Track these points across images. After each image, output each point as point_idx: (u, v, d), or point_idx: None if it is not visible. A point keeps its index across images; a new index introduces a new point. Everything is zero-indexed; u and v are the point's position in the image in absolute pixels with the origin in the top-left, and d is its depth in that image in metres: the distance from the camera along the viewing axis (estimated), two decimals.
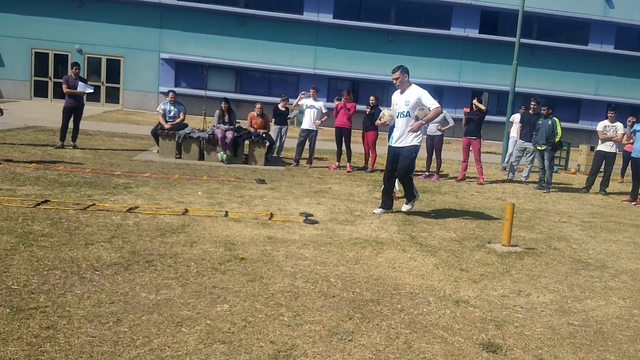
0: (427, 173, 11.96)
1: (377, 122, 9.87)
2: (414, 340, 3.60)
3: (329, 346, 3.39)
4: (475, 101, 11.66)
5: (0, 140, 11.19)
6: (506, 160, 14.41)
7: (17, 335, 3.16)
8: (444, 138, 12.22)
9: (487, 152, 18.76)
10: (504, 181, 12.39)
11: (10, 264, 4.27)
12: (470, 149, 11.70)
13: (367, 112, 11.81)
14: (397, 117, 7.41)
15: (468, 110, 11.80)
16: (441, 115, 11.68)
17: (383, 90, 26.13)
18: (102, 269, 4.38)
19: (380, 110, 12.17)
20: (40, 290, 3.84)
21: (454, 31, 26.81)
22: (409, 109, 7.26)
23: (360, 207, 7.87)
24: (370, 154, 12.06)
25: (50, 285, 3.94)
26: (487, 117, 12.97)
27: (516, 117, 13.74)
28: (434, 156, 11.90)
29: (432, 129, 11.72)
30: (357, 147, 13.29)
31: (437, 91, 26.24)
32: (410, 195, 7.53)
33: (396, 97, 7.46)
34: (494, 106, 27.11)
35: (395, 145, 7.41)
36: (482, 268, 5.36)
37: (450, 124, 11.78)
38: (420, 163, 13.57)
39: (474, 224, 7.43)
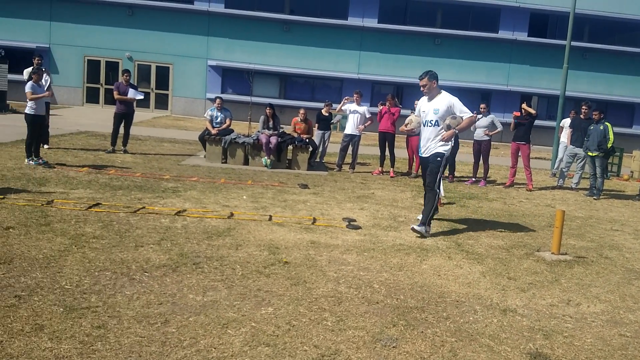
0: (474, 179, 11.76)
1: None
2: (459, 348, 3.54)
3: (373, 352, 3.37)
4: (524, 105, 11.41)
5: (55, 145, 11.64)
6: (556, 166, 14.02)
7: (70, 333, 3.27)
8: (492, 143, 12.00)
9: (536, 158, 18.29)
10: (553, 188, 12.05)
11: (63, 265, 4.44)
12: (519, 154, 11.44)
13: None
14: (424, 126, 6.81)
15: (518, 114, 11.55)
16: (489, 120, 11.52)
17: None
18: (151, 270, 4.50)
19: None
20: (91, 290, 3.97)
21: (502, 34, 26.30)
22: (438, 117, 6.63)
23: (404, 213, 7.81)
24: (415, 159, 11.95)
25: (102, 286, 4.07)
26: (537, 122, 12.66)
27: (566, 122, 13.37)
28: (481, 162, 11.69)
29: (480, 133, 11.53)
30: (401, 152, 13.19)
31: (484, 95, 25.81)
32: (426, 217, 6.58)
33: (424, 104, 6.89)
34: (543, 111, 26.41)
35: (424, 155, 6.81)
36: (530, 276, 5.23)
37: (499, 129, 11.56)
38: (466, 169, 13.38)
39: (522, 231, 7.26)
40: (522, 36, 26.27)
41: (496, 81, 26.49)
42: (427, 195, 6.74)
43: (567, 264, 5.74)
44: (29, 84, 9.27)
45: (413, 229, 6.47)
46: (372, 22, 25.79)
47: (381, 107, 11.92)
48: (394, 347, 3.47)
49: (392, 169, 11.79)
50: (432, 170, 6.67)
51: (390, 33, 25.86)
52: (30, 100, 9.20)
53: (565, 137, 13.09)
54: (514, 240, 6.69)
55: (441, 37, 26.11)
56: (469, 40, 26.11)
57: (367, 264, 5.19)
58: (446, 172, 11.61)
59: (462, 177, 12.32)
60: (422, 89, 6.83)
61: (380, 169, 11.90)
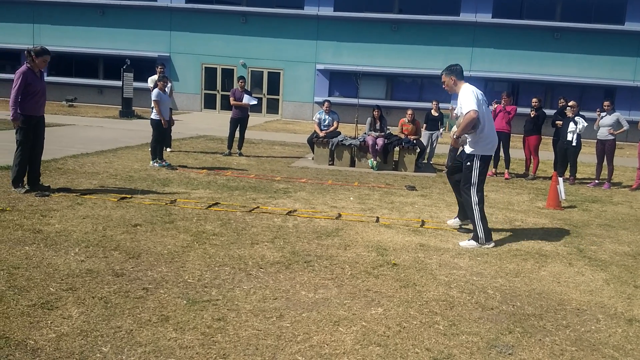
0: (597, 181, 10.98)
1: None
2: (580, 358, 3.33)
3: (488, 358, 3.26)
4: None
5: (177, 149, 12.46)
6: None
7: (192, 325, 3.49)
8: (617, 142, 11.13)
9: None
10: None
11: (186, 260, 4.74)
12: None
13: (532, 115, 11.19)
14: None
15: None
16: (614, 118, 10.72)
17: (547, 92, 24.57)
18: (266, 266, 4.68)
19: (545, 114, 11.45)
20: (212, 284, 4.21)
21: (629, 26, 24.30)
22: (461, 114, 5.93)
23: (520, 216, 7.47)
24: (532, 160, 11.40)
25: (221, 280, 4.29)
26: None
27: None
28: (604, 162, 10.90)
29: (604, 132, 10.77)
30: (517, 152, 12.63)
31: (608, 92, 24.01)
32: (474, 227, 5.86)
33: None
34: None
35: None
36: None
37: (625, 127, 10.73)
38: (589, 170, 12.53)
39: None
40: None
41: (622, 76, 24.53)
42: (464, 201, 6.05)
43: None
44: (155, 91, 9.98)
45: (460, 245, 5.80)
46: (485, 17, 24.92)
47: (496, 105, 11.49)
48: (509, 354, 3.33)
49: (507, 170, 11.32)
50: (464, 175, 5.98)
51: (506, 28, 24.83)
52: (159, 111, 9.85)
53: None
54: None
55: (561, 30, 24.65)
56: (591, 33, 24.41)
57: (480, 269, 5.02)
58: (567, 174, 10.97)
59: (585, 179, 11.55)
60: (444, 86, 6.08)
61: (494, 170, 11.47)
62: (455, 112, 6.51)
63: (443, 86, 6.09)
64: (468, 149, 5.94)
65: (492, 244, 5.81)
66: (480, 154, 5.87)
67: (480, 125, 5.78)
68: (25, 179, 7.02)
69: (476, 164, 5.87)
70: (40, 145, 7.14)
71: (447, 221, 6.77)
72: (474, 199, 5.87)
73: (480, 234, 5.79)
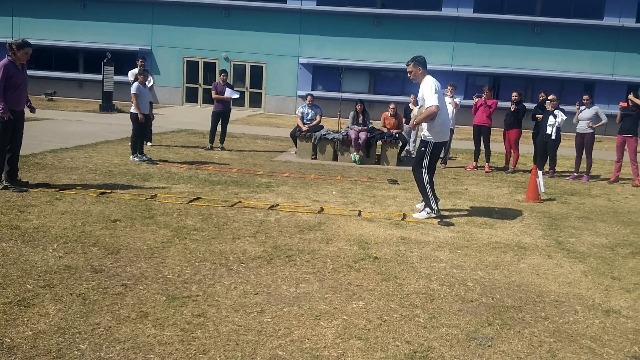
0: (576, 174, 11.13)
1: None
2: (558, 349, 3.38)
3: (467, 350, 3.29)
4: (632, 96, 10.63)
5: (157, 143, 12.35)
6: None
7: (172, 321, 3.46)
8: (595, 136, 11.28)
9: None
10: None
11: (166, 256, 4.70)
12: (625, 147, 10.69)
13: (512, 109, 11.29)
14: None
15: (625, 104, 10.78)
16: (593, 111, 10.86)
17: (527, 86, 24.77)
18: (248, 261, 4.66)
19: (525, 107, 11.56)
20: (192, 280, 4.18)
21: (608, 21, 24.59)
22: (422, 104, 6.55)
23: (500, 209, 7.53)
24: (513, 153, 11.51)
25: (202, 276, 4.27)
26: None
27: None
28: (583, 156, 11.04)
29: (583, 126, 10.91)
30: (496, 146, 12.73)
31: (587, 86, 24.28)
32: (425, 198, 6.70)
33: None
34: None
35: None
36: (636, 277, 4.89)
37: (603, 121, 10.89)
38: (568, 163, 12.69)
39: (627, 229, 6.78)
40: (630, 22, 24.39)
41: (600, 70, 24.82)
42: (415, 179, 6.81)
43: None
44: (135, 85, 9.86)
45: (414, 217, 6.61)
46: (467, 12, 25.02)
47: (477, 99, 11.57)
48: (489, 346, 3.37)
49: (487, 163, 11.41)
50: (416, 157, 6.82)
51: (487, 22, 24.96)
52: (137, 105, 9.73)
53: None
54: (619, 238, 6.27)
55: (541, 25, 24.84)
56: (570, 28, 24.65)
57: (460, 261, 5.06)
58: (546, 167, 11.09)
59: (564, 172, 11.70)
60: (408, 75, 6.68)
61: (474, 163, 11.56)
62: (418, 100, 6.83)
63: (409, 75, 6.68)
64: (426, 137, 6.63)
65: (439, 214, 6.66)
66: (434, 141, 6.61)
67: (437, 118, 6.48)
68: (3, 175, 6.90)
69: (429, 149, 6.63)
70: (18, 139, 7.03)
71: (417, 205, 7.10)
72: (425, 178, 6.65)
73: (433, 205, 6.63)
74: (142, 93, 9.88)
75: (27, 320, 3.33)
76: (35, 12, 26.78)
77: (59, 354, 2.96)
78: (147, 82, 10.20)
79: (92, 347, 3.06)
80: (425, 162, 6.66)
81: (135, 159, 9.65)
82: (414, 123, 6.76)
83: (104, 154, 10.16)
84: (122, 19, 26.44)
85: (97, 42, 26.27)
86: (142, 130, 9.98)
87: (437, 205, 6.70)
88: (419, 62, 6.56)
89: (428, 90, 6.42)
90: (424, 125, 6.62)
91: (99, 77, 21.53)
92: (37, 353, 2.96)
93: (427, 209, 6.64)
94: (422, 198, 6.85)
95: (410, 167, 7.39)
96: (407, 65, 6.64)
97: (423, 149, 6.67)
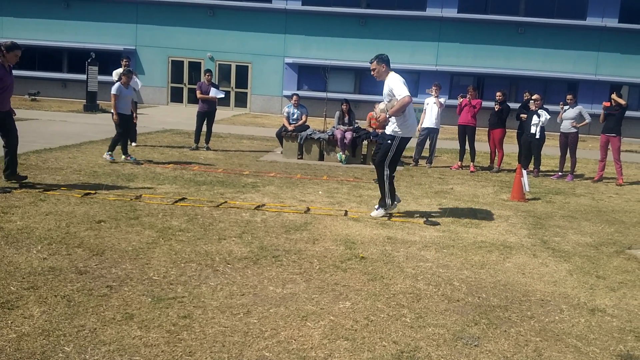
0: (560, 173, 11.24)
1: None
2: (544, 348, 3.41)
3: (454, 350, 3.31)
4: (614, 95, 10.77)
5: (142, 143, 12.25)
6: None
7: (158, 322, 3.43)
8: (579, 135, 11.41)
9: (627, 151, 17.19)
10: None
11: (151, 257, 4.66)
12: (609, 147, 10.82)
13: (496, 109, 11.37)
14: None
15: (608, 104, 10.92)
16: (577, 111, 10.98)
17: (511, 86, 24.97)
18: (234, 262, 4.64)
19: (509, 107, 11.66)
20: (178, 281, 4.15)
21: (591, 21, 24.89)
22: (387, 100, 6.56)
23: (485, 209, 7.58)
24: (497, 153, 11.60)
25: (187, 277, 4.24)
26: (628, 113, 11.90)
27: None
28: (568, 155, 11.16)
29: (567, 125, 11.03)
30: (482, 145, 12.81)
31: (571, 86, 24.57)
32: (383, 195, 6.68)
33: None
34: (635, 101, 24.76)
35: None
36: (621, 275, 4.95)
37: (587, 120, 11.01)
38: (552, 163, 12.81)
39: (612, 228, 6.86)
40: (613, 22, 24.71)
41: (584, 70, 25.12)
42: (377, 173, 6.77)
43: None
44: (116, 85, 9.75)
45: (372, 216, 6.62)
46: (451, 12, 25.17)
47: (461, 99, 11.64)
48: (475, 345, 3.38)
49: (472, 163, 11.48)
50: (381, 152, 6.75)
51: (471, 22, 25.13)
52: (114, 105, 9.60)
53: None
54: (603, 237, 6.35)
55: (525, 25, 25.07)
56: (554, 28, 24.92)
57: (446, 261, 5.09)
58: (531, 166, 11.19)
59: (548, 171, 11.82)
60: (372, 73, 6.68)
61: (459, 163, 11.63)
62: (384, 99, 6.78)
63: (372, 73, 6.67)
64: (389, 130, 6.63)
65: (395, 207, 6.75)
66: (401, 136, 6.59)
67: (407, 111, 6.48)
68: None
69: (395, 144, 6.60)
70: (13, 137, 7.13)
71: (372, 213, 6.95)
72: (386, 172, 6.63)
73: (388, 200, 6.63)
74: (123, 94, 9.75)
75: (11, 322, 3.28)
76: (19, 12, 26.45)
77: (43, 357, 2.92)
78: (135, 85, 10.05)
79: (77, 349, 3.03)
80: (390, 157, 6.62)
81: (107, 157, 9.47)
82: (387, 116, 6.64)
83: (88, 155, 10.05)
84: (107, 18, 26.21)
85: (81, 42, 26.01)
86: (125, 130, 9.88)
87: (392, 201, 6.66)
88: (383, 59, 6.58)
89: (397, 82, 6.39)
90: (393, 119, 6.58)
91: (83, 77, 21.32)
92: (21, 356, 2.92)
93: (382, 208, 6.65)
94: (381, 197, 6.74)
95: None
96: (371, 63, 6.62)
97: (390, 142, 6.61)
